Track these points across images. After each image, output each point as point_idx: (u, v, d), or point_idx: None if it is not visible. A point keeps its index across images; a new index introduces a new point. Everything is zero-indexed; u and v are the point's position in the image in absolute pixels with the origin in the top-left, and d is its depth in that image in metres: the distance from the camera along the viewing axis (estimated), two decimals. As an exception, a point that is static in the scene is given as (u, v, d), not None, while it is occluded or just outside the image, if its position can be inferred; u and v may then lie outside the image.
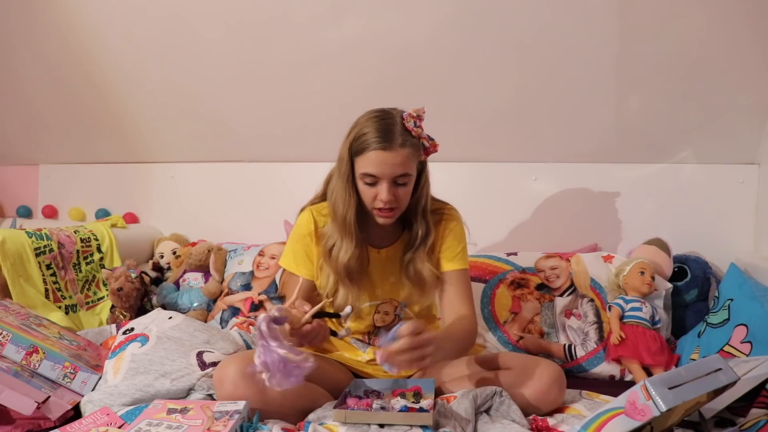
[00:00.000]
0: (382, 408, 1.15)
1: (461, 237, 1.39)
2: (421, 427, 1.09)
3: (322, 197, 1.39)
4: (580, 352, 1.67)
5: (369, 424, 1.11)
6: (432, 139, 1.27)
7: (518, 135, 2.04)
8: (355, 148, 1.23)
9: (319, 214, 1.36)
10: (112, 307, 1.96)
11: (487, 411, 1.17)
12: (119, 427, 1.13)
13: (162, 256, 2.25)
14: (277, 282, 1.95)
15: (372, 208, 1.26)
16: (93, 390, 1.29)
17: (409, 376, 1.42)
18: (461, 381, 1.31)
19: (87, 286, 2.01)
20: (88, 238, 2.07)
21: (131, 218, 2.46)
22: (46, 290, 1.85)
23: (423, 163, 1.29)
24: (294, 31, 1.93)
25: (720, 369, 0.95)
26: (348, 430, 1.09)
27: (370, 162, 1.20)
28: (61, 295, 1.89)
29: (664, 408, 0.85)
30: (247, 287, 1.99)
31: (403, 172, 1.21)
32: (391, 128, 1.20)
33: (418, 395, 1.23)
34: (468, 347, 1.34)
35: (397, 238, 1.37)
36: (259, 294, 1.95)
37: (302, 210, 1.41)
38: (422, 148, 1.25)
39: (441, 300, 1.41)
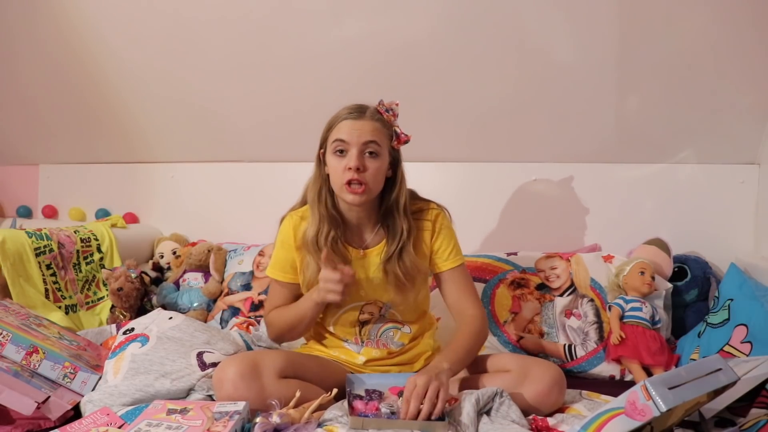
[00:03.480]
0: (392, 413, 1.15)
1: (452, 233, 1.40)
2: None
3: (303, 202, 1.42)
4: (580, 352, 1.67)
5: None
6: (403, 132, 1.31)
7: (518, 135, 2.04)
8: (326, 133, 1.30)
9: (299, 218, 1.38)
10: (112, 307, 1.96)
11: (487, 412, 1.17)
12: (119, 428, 1.13)
13: (162, 256, 2.25)
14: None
15: (342, 184, 1.26)
16: (93, 390, 1.29)
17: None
18: (459, 383, 1.32)
19: (87, 286, 2.01)
20: (88, 238, 2.07)
21: (131, 218, 2.46)
22: (46, 290, 1.85)
23: (397, 153, 1.32)
24: (294, 31, 1.93)
25: (720, 369, 0.95)
26: (349, 431, 1.10)
27: (340, 130, 1.26)
28: (61, 295, 1.89)
29: (664, 408, 0.85)
30: (247, 287, 1.99)
31: (372, 139, 1.25)
32: (363, 107, 1.29)
33: None
34: (481, 344, 1.35)
35: (381, 239, 1.36)
36: (259, 294, 1.95)
37: (283, 218, 1.43)
38: (394, 134, 1.30)
39: (445, 299, 1.42)
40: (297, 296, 1.39)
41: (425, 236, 1.37)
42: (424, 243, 1.37)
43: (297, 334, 1.39)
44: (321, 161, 1.33)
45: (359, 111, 1.28)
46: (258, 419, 1.07)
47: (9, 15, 2.13)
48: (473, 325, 1.34)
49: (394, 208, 1.32)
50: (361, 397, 1.22)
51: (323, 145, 1.32)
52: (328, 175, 1.32)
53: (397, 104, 1.30)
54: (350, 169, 1.23)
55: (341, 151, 1.26)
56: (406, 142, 1.31)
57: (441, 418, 1.10)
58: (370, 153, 1.26)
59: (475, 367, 1.34)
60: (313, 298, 1.28)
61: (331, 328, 1.42)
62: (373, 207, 1.35)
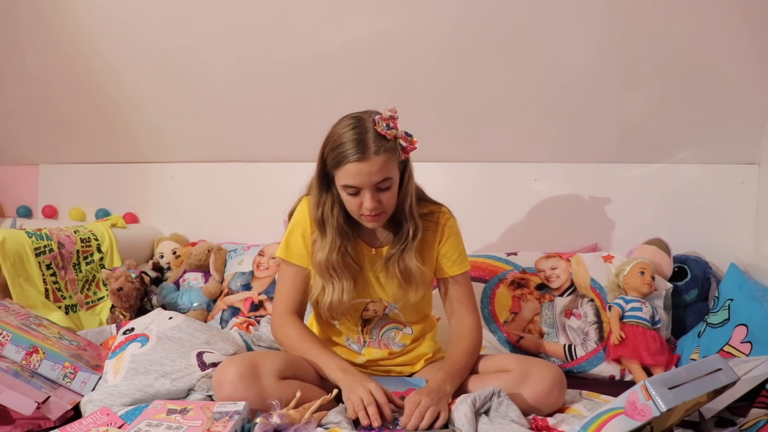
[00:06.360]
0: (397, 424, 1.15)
1: (460, 238, 1.40)
2: None
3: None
4: (580, 352, 1.67)
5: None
6: (410, 136, 1.23)
7: (518, 135, 2.04)
8: (331, 161, 1.23)
9: None
10: (112, 307, 1.96)
11: (486, 412, 1.17)
12: (119, 428, 1.13)
13: (162, 256, 2.25)
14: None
15: (359, 215, 1.26)
16: (93, 390, 1.29)
17: (411, 374, 1.42)
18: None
19: (87, 286, 2.01)
20: (88, 238, 2.07)
21: (131, 218, 2.46)
22: (46, 290, 1.85)
23: (405, 162, 1.28)
24: (294, 31, 1.93)
25: (720, 369, 0.95)
26: None
27: (348, 175, 1.20)
28: (61, 295, 1.89)
29: (664, 408, 0.85)
30: (247, 287, 1.99)
31: (383, 178, 1.21)
32: (363, 137, 1.19)
33: None
34: (476, 357, 1.35)
35: (392, 238, 1.36)
36: (259, 294, 1.95)
37: (298, 202, 1.41)
38: (400, 148, 1.23)
39: (444, 304, 1.42)
40: (308, 285, 1.38)
41: (434, 239, 1.37)
42: (431, 246, 1.37)
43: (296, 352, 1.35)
44: (324, 179, 1.29)
45: (361, 148, 1.18)
46: (258, 419, 1.07)
47: (9, 15, 2.13)
48: (473, 339, 1.35)
49: (399, 211, 1.31)
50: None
51: (327, 168, 1.26)
52: (337, 193, 1.28)
53: (396, 111, 1.22)
54: (367, 208, 1.23)
55: (354, 194, 1.23)
56: (414, 149, 1.26)
57: (444, 426, 1.11)
58: (383, 189, 1.23)
59: (476, 367, 1.34)
60: (332, 372, 1.23)
61: (336, 323, 1.42)
62: None
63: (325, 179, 1.29)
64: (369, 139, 1.19)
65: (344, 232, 1.31)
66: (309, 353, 1.29)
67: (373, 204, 1.22)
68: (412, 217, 1.31)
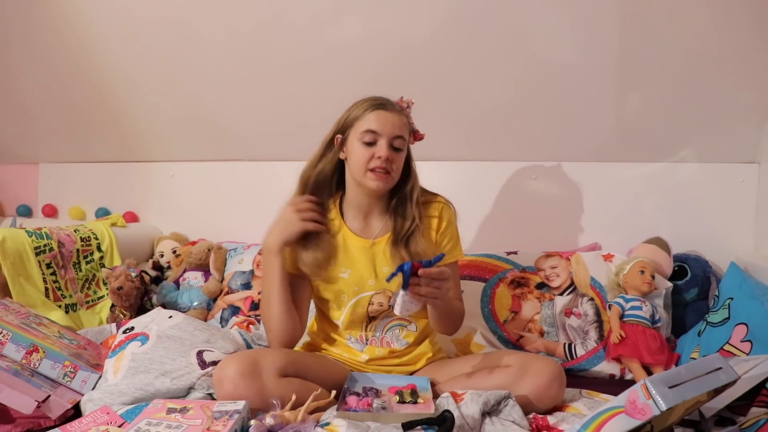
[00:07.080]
0: (383, 408, 1.16)
1: (455, 228, 1.44)
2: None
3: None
4: (580, 351, 1.67)
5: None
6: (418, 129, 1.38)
7: (519, 134, 2.04)
8: (353, 116, 1.32)
9: None
10: (112, 306, 1.96)
11: (490, 413, 1.17)
12: (119, 426, 1.13)
13: (162, 255, 2.25)
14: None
15: (367, 170, 1.30)
16: (93, 389, 1.29)
17: (412, 373, 1.42)
18: (460, 380, 1.32)
19: (87, 285, 2.01)
20: (88, 237, 2.07)
21: (131, 217, 2.46)
22: (46, 289, 1.85)
23: (408, 152, 1.37)
24: (293, 30, 1.93)
25: (720, 368, 0.95)
26: (348, 429, 1.10)
27: (371, 121, 1.29)
28: (61, 294, 1.89)
29: (664, 407, 0.85)
30: (247, 286, 1.99)
31: (400, 134, 1.30)
32: (387, 99, 1.33)
33: (414, 393, 1.24)
34: (456, 326, 1.40)
35: (390, 229, 1.39)
36: (259, 293, 1.95)
37: None
38: (411, 131, 1.36)
39: None
40: (303, 291, 1.39)
41: (432, 228, 1.40)
42: (430, 234, 1.40)
43: (277, 318, 1.31)
44: (333, 145, 1.36)
45: (387, 102, 1.32)
46: (252, 422, 1.07)
47: (7, 15, 2.13)
48: (462, 308, 1.42)
49: (408, 197, 1.37)
50: (357, 394, 1.23)
51: (342, 130, 1.34)
52: (342, 160, 1.35)
53: (412, 102, 1.35)
54: (379, 158, 1.28)
55: (370, 142, 1.29)
56: (421, 139, 1.37)
57: (433, 420, 1.10)
58: (396, 148, 1.31)
59: (477, 365, 1.34)
60: (273, 250, 1.31)
61: (339, 323, 1.41)
62: (384, 196, 1.39)
63: (331, 144, 1.35)
64: (392, 101, 1.34)
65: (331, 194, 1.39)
66: (266, 281, 1.33)
67: (387, 153, 1.27)
68: (418, 205, 1.37)
